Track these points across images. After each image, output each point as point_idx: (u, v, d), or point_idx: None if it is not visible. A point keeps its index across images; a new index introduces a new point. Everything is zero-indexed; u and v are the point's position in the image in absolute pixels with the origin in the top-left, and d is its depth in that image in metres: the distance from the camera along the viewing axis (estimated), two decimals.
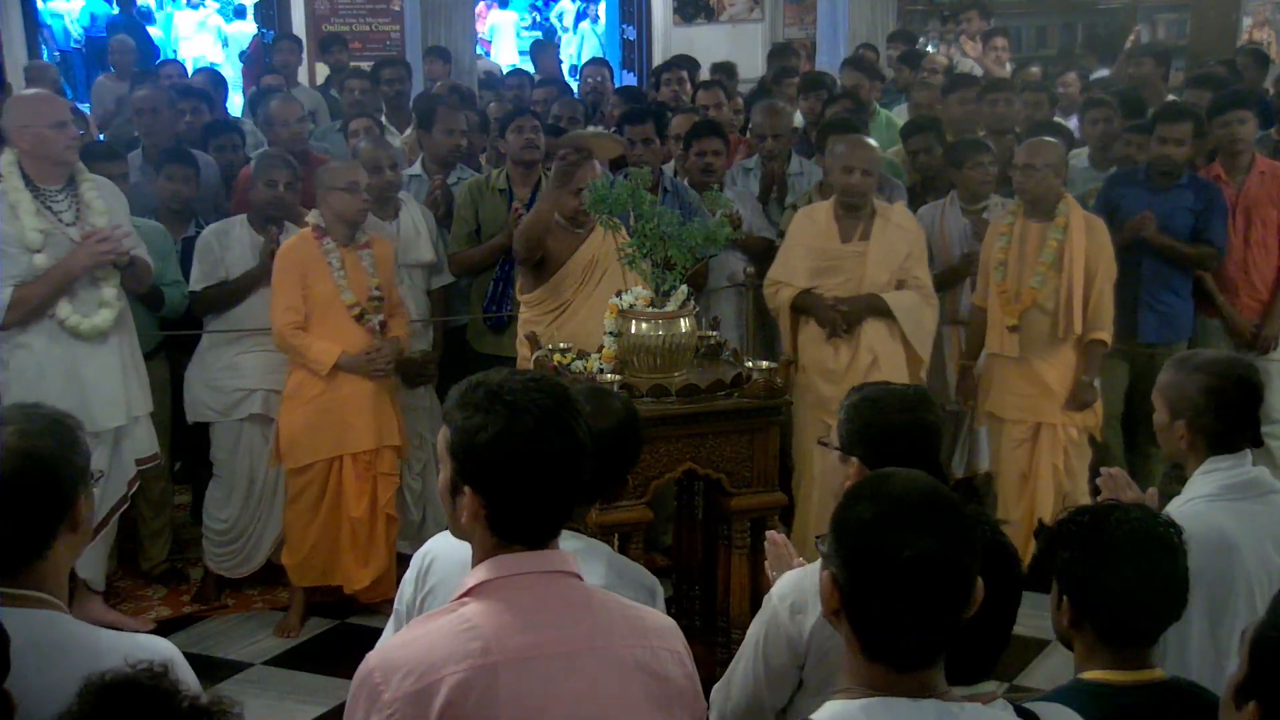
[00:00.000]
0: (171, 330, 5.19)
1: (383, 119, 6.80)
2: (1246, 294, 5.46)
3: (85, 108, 8.64)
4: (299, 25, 10.77)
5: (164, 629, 4.70)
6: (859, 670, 1.75)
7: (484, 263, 5.39)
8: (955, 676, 1.98)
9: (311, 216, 4.76)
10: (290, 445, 4.74)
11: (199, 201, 5.53)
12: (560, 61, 9.43)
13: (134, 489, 4.72)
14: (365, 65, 8.20)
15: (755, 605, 2.71)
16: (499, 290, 5.37)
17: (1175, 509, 2.70)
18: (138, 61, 9.26)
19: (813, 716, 1.75)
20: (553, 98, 7.01)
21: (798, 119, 6.81)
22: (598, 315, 4.04)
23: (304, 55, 10.64)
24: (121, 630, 2.08)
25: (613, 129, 6.72)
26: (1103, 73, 8.91)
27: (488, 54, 15.03)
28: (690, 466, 3.75)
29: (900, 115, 7.23)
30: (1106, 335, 4.84)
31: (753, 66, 10.02)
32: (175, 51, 15.97)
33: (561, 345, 4.03)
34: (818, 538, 1.83)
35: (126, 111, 7.64)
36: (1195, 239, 5.33)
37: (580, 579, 1.95)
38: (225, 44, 16.16)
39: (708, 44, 10.11)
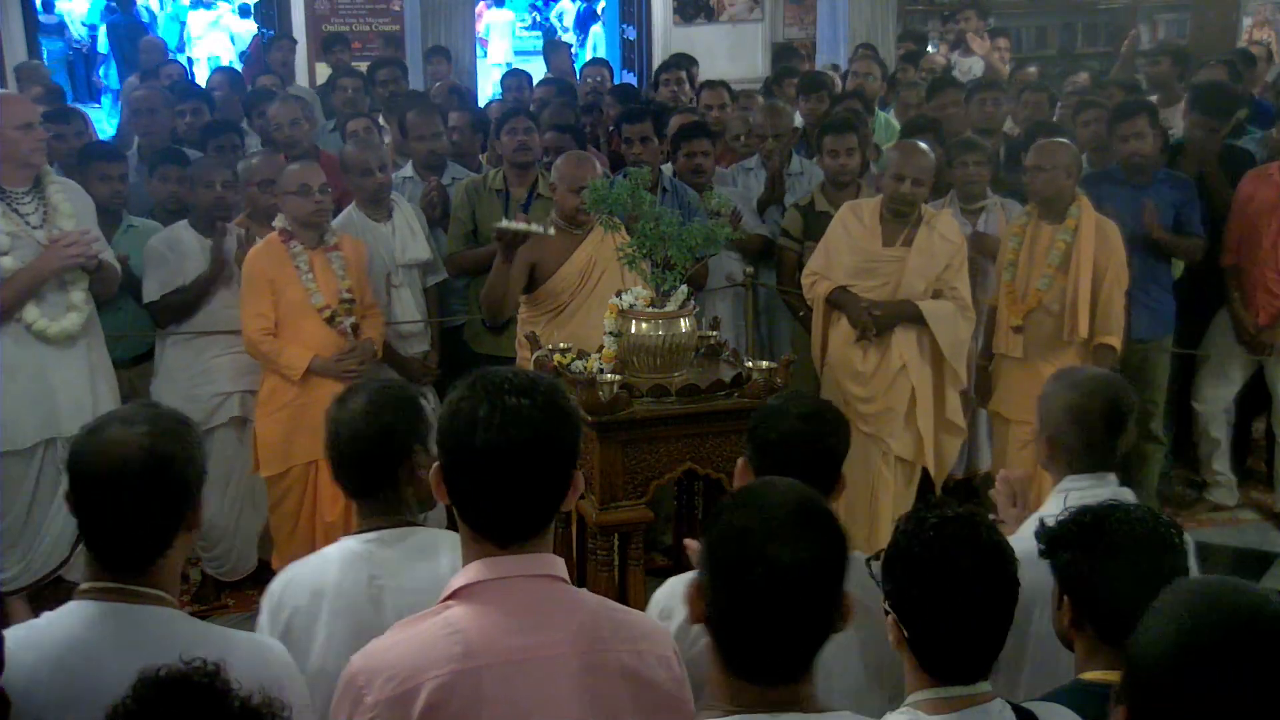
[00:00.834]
0: (171, 332, 5.17)
1: (379, 119, 6.79)
2: (1264, 297, 5.47)
3: (85, 107, 8.66)
4: (299, 25, 10.77)
5: None
6: (722, 683, 1.72)
7: (481, 265, 5.37)
8: (953, 676, 1.98)
9: (278, 220, 4.73)
10: (267, 452, 4.67)
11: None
12: (574, 61, 9.42)
13: None
14: (365, 65, 8.18)
15: None
16: None
17: (1024, 528, 2.68)
18: (133, 61, 9.27)
19: None
20: (551, 96, 7.01)
21: (798, 119, 6.81)
22: (597, 315, 4.03)
23: (304, 55, 10.67)
24: None
25: (610, 128, 6.74)
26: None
27: (484, 53, 15.04)
28: (690, 466, 3.75)
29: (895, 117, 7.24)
30: (1115, 340, 4.79)
31: (753, 67, 10.03)
32: (186, 50, 16.00)
33: (561, 345, 4.03)
34: (685, 542, 1.84)
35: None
36: (1177, 232, 5.35)
37: (567, 583, 1.93)
38: (234, 42, 16.19)
39: (708, 44, 10.13)
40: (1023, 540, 2.25)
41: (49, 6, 16.02)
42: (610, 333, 3.88)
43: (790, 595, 1.65)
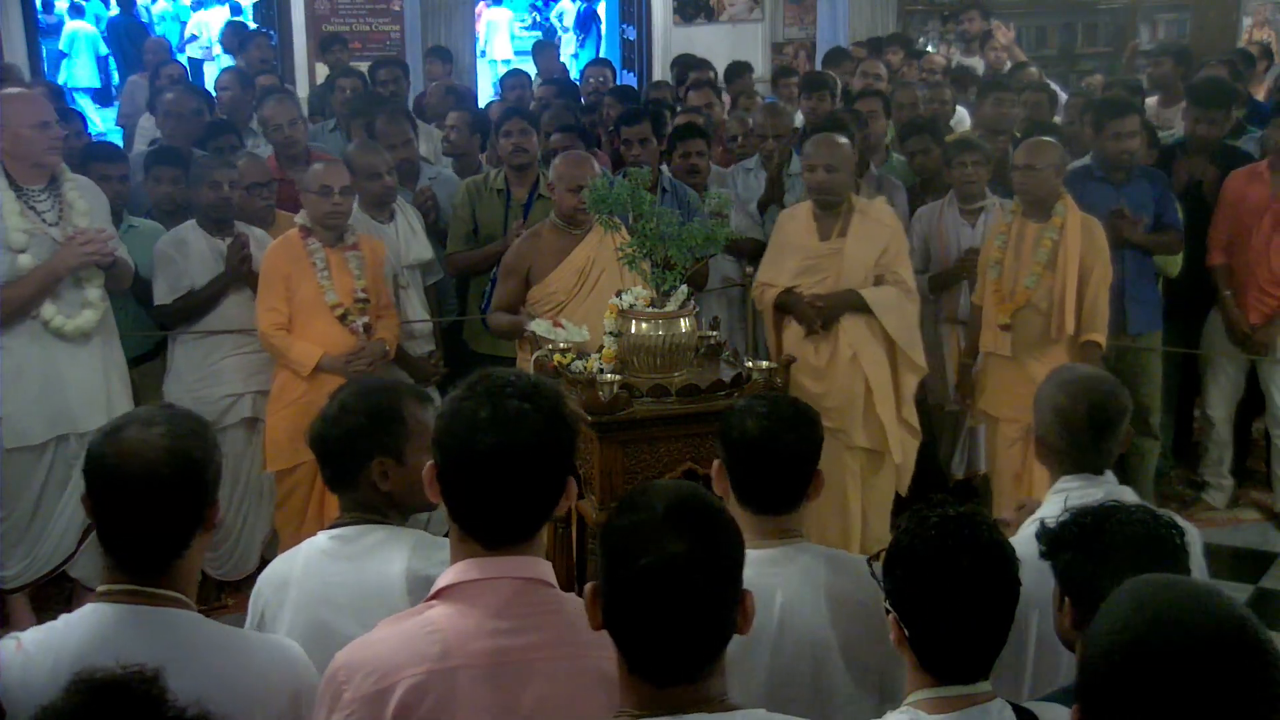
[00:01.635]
0: (170, 331, 5.17)
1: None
2: (1256, 296, 5.47)
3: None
4: (299, 25, 10.74)
5: None
6: (626, 687, 1.71)
7: (482, 264, 5.39)
8: (953, 676, 1.98)
9: (299, 217, 4.74)
10: (274, 448, 4.70)
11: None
12: (561, 61, 9.42)
13: None
14: (365, 65, 8.17)
15: None
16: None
17: (1024, 530, 2.69)
18: (132, 61, 9.26)
19: None
20: (553, 96, 7.01)
21: (798, 119, 6.82)
22: (597, 315, 4.03)
23: (304, 55, 10.66)
24: None
25: (610, 129, 6.74)
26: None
27: (484, 52, 15.03)
28: (690, 466, 3.74)
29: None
30: (1101, 337, 4.83)
31: (753, 66, 10.01)
32: (188, 50, 15.99)
33: (561, 345, 4.03)
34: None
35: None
36: (1157, 226, 5.36)
37: (553, 586, 1.92)
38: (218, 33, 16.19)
39: (708, 44, 10.12)
40: (1021, 542, 2.25)
41: (49, 7, 16.02)
42: (610, 333, 3.88)
43: (672, 590, 1.63)
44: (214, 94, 6.91)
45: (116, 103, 9.57)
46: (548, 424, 1.86)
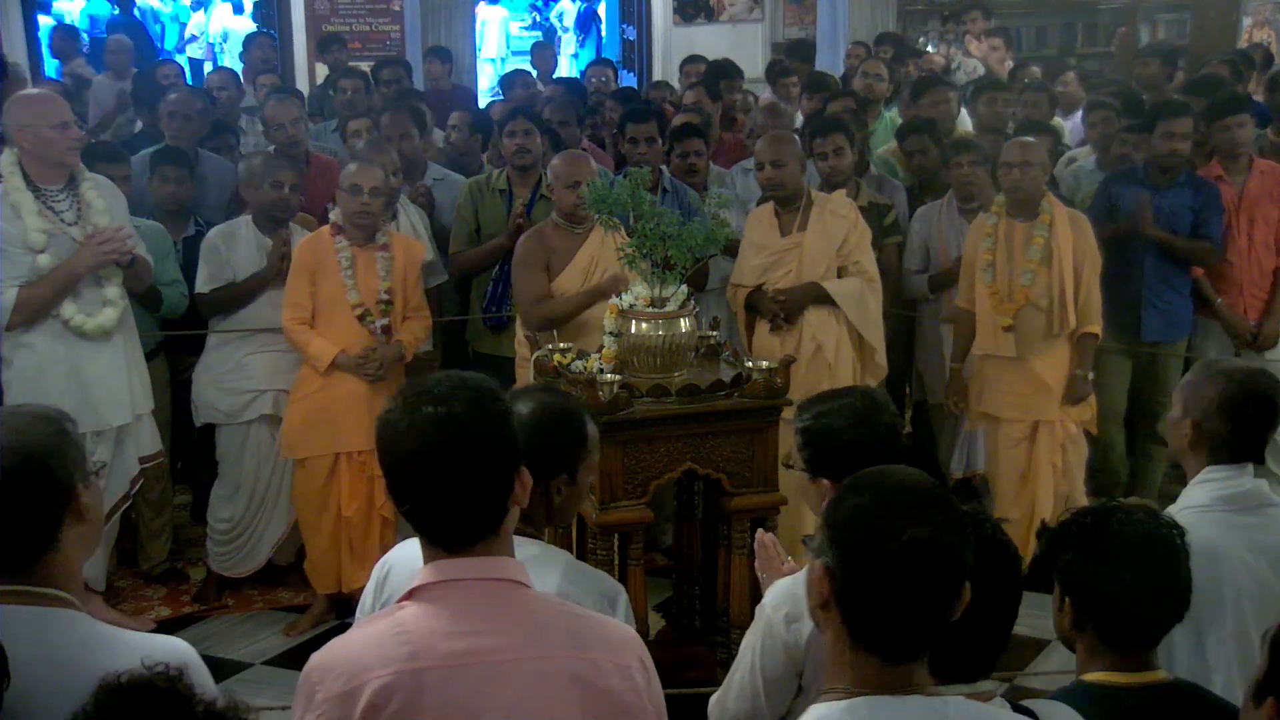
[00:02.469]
0: (172, 331, 5.19)
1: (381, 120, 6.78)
2: (1249, 292, 5.46)
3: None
4: (299, 25, 10.74)
5: (164, 629, 4.69)
6: (845, 665, 1.75)
7: (483, 263, 5.39)
8: (955, 675, 1.98)
9: (334, 215, 4.78)
10: (289, 438, 4.78)
11: (210, 201, 5.53)
12: (556, 62, 9.43)
13: (137, 487, 4.73)
14: (365, 65, 8.18)
15: (755, 606, 2.70)
16: (498, 290, 5.37)
17: (1179, 516, 2.69)
18: (136, 62, 9.25)
19: None
20: (559, 96, 7.02)
21: (798, 119, 6.82)
22: (598, 314, 4.04)
23: (304, 55, 10.66)
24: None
25: (613, 131, 6.75)
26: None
27: (479, 49, 14.99)
28: (690, 466, 3.75)
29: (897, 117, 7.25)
30: (1097, 328, 4.86)
31: (753, 67, 10.02)
32: (187, 51, 15.98)
33: (561, 345, 4.03)
34: (805, 538, 1.85)
35: (128, 110, 7.64)
36: (1194, 236, 5.34)
37: (526, 586, 1.92)
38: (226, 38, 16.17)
39: (708, 44, 10.10)
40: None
41: (47, 7, 16.01)
42: (610, 333, 3.88)
43: (922, 568, 1.69)
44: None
45: None
46: (466, 424, 1.86)
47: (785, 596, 2.53)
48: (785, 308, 4.81)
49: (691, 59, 8.18)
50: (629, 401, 3.63)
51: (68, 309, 4.36)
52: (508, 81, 7.87)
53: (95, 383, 4.43)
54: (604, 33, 15.14)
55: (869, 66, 7.61)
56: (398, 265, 4.77)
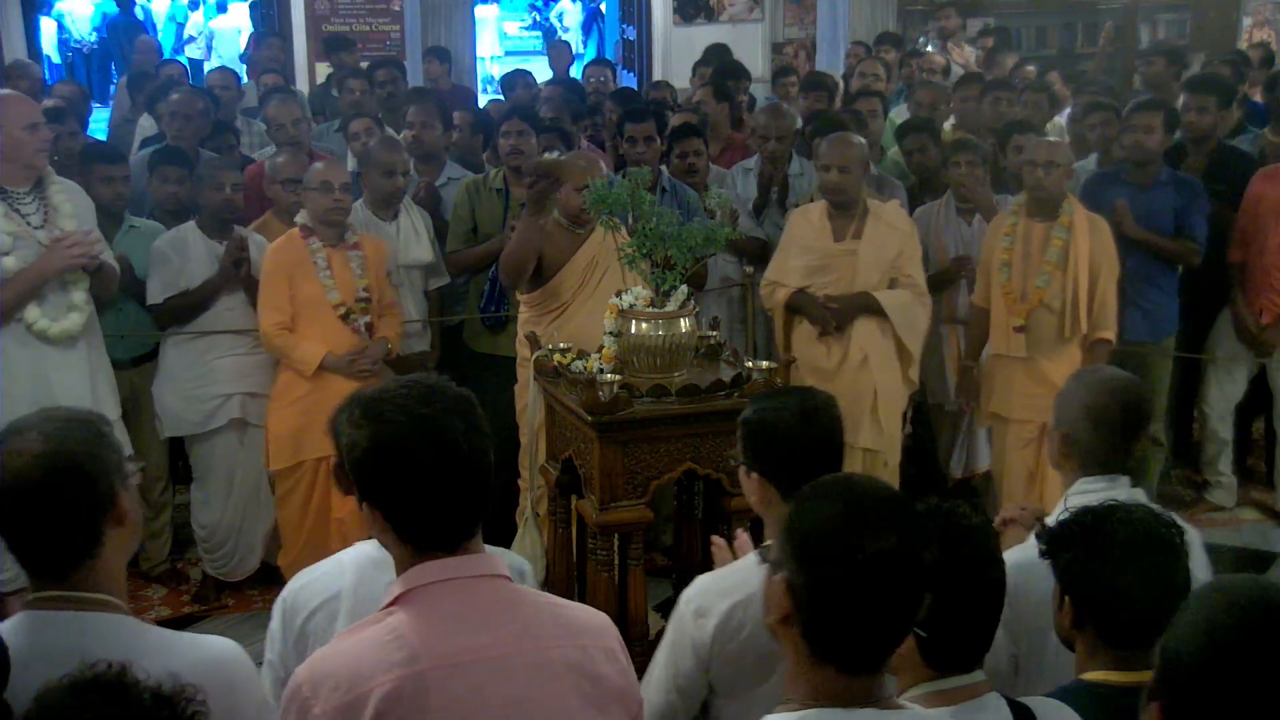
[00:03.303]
0: (172, 331, 5.17)
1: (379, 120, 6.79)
2: (1269, 297, 5.47)
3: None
4: (299, 25, 10.73)
5: None
6: (804, 678, 1.74)
7: (480, 263, 5.39)
8: (953, 666, 1.98)
9: (300, 216, 4.75)
10: (277, 446, 4.72)
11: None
12: (572, 61, 9.43)
13: None
14: (364, 65, 8.18)
15: None
16: (496, 290, 5.37)
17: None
18: (133, 61, 9.26)
19: None
20: (558, 95, 7.01)
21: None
22: (597, 315, 4.03)
23: (304, 55, 10.65)
24: None
25: (612, 132, 6.74)
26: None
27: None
28: (690, 466, 3.74)
29: (900, 115, 7.24)
30: (1111, 334, 4.84)
31: (753, 66, 10.01)
32: (186, 51, 15.99)
33: (561, 345, 4.03)
34: (759, 550, 1.84)
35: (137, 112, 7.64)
36: (1177, 235, 5.34)
37: (509, 580, 1.93)
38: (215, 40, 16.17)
39: (708, 44, 10.10)
40: (1029, 548, 2.26)
41: (47, 7, 16.01)
42: (610, 333, 3.88)
43: (888, 580, 1.68)
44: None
45: (109, 104, 9.53)
46: (465, 420, 1.87)
47: (699, 591, 2.54)
48: (837, 316, 4.77)
49: (703, 60, 8.16)
50: (629, 401, 3.63)
51: (31, 313, 4.28)
52: (508, 82, 7.87)
53: (59, 388, 4.33)
54: (604, 32, 15.14)
55: (866, 67, 7.62)
56: (370, 263, 4.76)
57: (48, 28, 16.32)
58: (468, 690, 1.81)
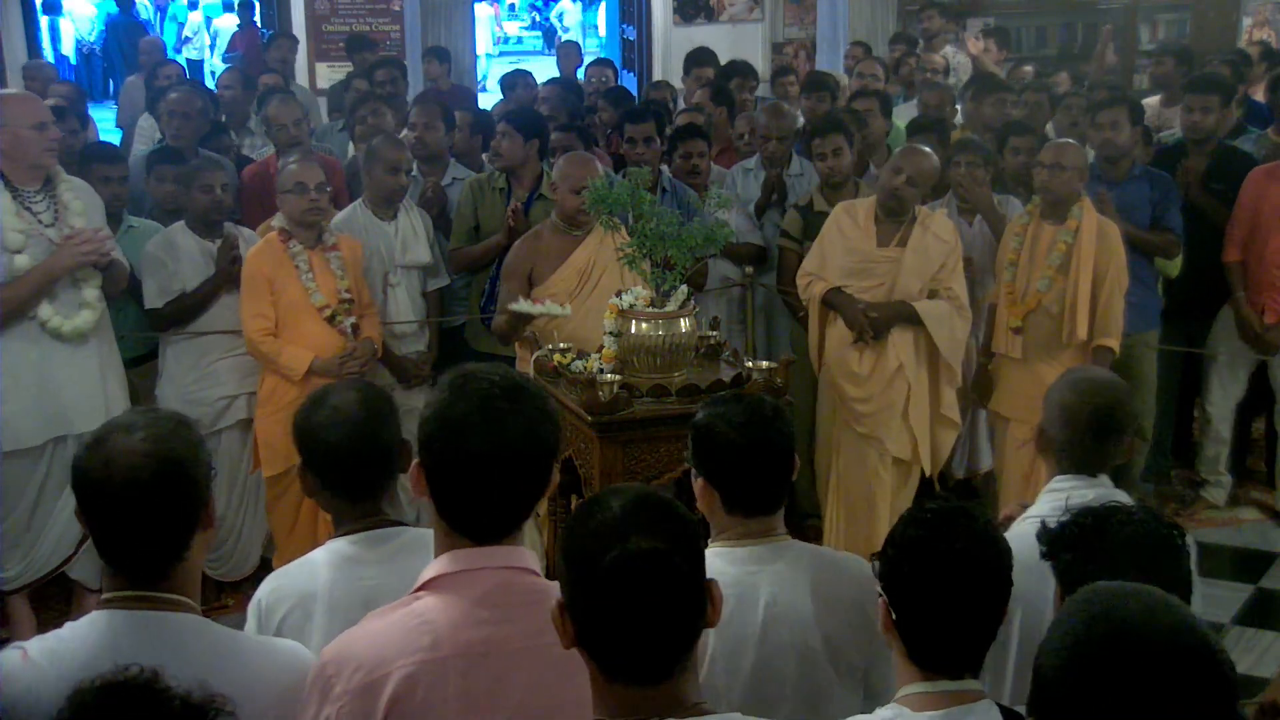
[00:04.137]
0: (172, 331, 5.17)
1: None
2: (1272, 295, 5.47)
3: (94, 107, 8.67)
4: (299, 25, 10.72)
5: None
6: (602, 695, 1.70)
7: (480, 260, 5.40)
8: (941, 668, 1.98)
9: (276, 220, 4.73)
10: (268, 451, 4.67)
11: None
12: (581, 61, 9.43)
13: None
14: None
15: None
16: (496, 289, 5.37)
17: (1015, 526, 2.72)
18: (133, 62, 9.26)
19: None
20: (556, 95, 7.01)
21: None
22: (597, 315, 4.03)
23: (304, 55, 10.64)
24: None
25: (609, 131, 6.75)
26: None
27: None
28: (690, 466, 3.73)
29: (901, 116, 7.24)
30: (1114, 342, 4.79)
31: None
32: (184, 51, 16.00)
33: (561, 345, 4.03)
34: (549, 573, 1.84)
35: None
36: (1153, 228, 5.34)
37: (538, 575, 1.95)
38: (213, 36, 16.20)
39: (708, 44, 10.09)
40: (1014, 539, 2.26)
41: (49, 8, 16.01)
42: (610, 333, 3.88)
43: (641, 585, 1.63)
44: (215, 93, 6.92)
45: (114, 103, 9.53)
46: (533, 424, 1.90)
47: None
48: (874, 325, 4.73)
49: (698, 61, 8.15)
50: (629, 401, 3.63)
51: (44, 311, 4.31)
52: (508, 82, 7.87)
53: (69, 387, 4.37)
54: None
55: (864, 67, 7.62)
56: (349, 263, 4.74)
57: (65, 28, 16.36)
58: (488, 680, 1.83)
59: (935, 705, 1.96)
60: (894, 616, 2.00)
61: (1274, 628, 4.80)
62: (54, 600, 4.78)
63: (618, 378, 3.66)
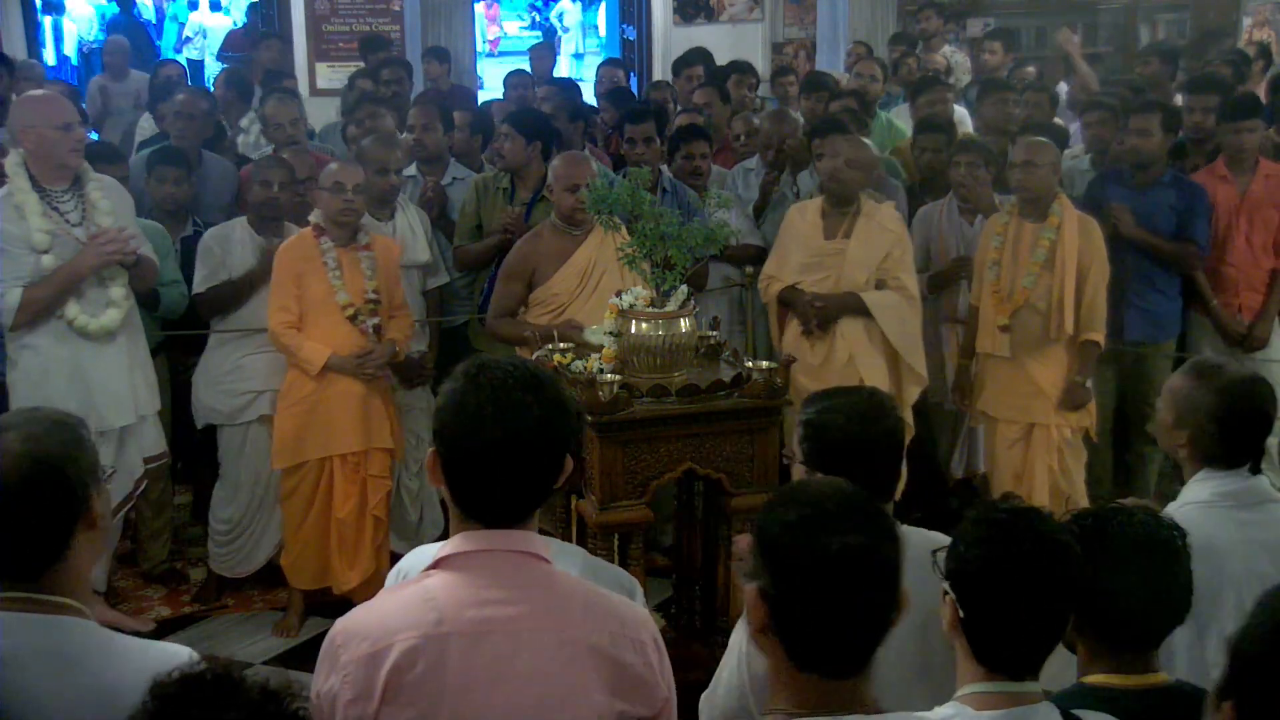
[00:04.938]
0: (172, 330, 5.18)
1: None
2: (1246, 293, 5.46)
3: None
4: (299, 25, 10.71)
5: (164, 629, 4.71)
6: (786, 686, 1.73)
7: (481, 259, 5.41)
8: (1003, 667, 1.96)
9: (313, 216, 4.77)
10: (281, 445, 4.74)
11: (212, 202, 5.53)
12: (555, 63, 9.44)
13: (141, 488, 4.73)
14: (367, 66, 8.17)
15: None
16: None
17: (1170, 514, 2.69)
18: (133, 62, 9.25)
19: None
20: (553, 96, 7.01)
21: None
22: (597, 315, 4.03)
23: (304, 55, 10.65)
24: (122, 630, 2.07)
25: (609, 132, 6.75)
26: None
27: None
28: (690, 466, 3.74)
29: (899, 116, 7.24)
30: (1099, 336, 4.84)
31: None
32: (185, 51, 15.98)
33: (561, 345, 4.03)
34: (738, 563, 1.84)
35: (127, 112, 7.64)
36: (1177, 237, 5.33)
37: (547, 561, 1.98)
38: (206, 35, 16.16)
39: (707, 44, 10.07)
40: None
41: (51, 8, 16.00)
42: (610, 333, 3.88)
43: (855, 577, 1.68)
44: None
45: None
46: (549, 414, 1.93)
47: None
48: (820, 315, 4.78)
49: (687, 62, 8.14)
50: (629, 401, 3.63)
51: (71, 309, 4.36)
52: (509, 82, 7.88)
53: (99, 384, 4.43)
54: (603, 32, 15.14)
55: (863, 67, 7.62)
56: (381, 265, 4.76)
57: (67, 29, 16.35)
58: (488, 659, 1.87)
59: (995, 705, 1.95)
60: (961, 615, 1.98)
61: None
62: None
63: (618, 378, 3.66)
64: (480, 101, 8.33)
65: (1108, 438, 5.52)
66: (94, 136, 7.38)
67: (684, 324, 3.80)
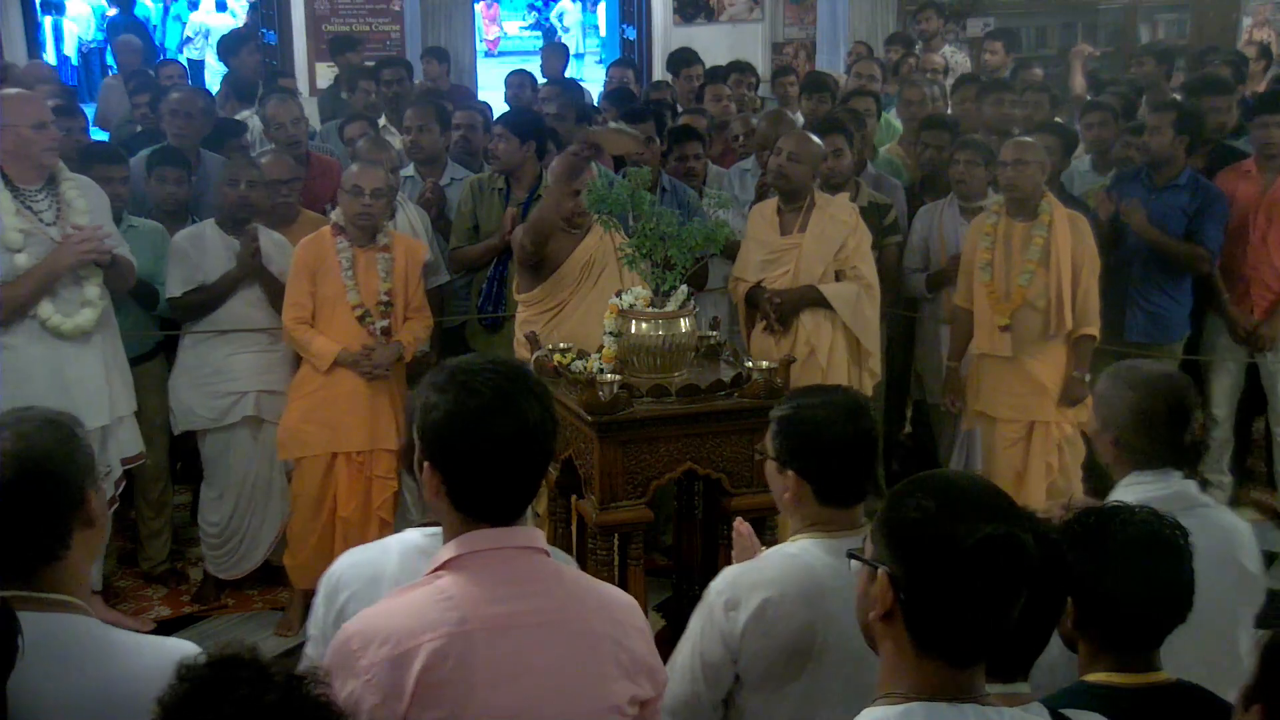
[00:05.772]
0: (172, 331, 5.17)
1: (380, 120, 6.78)
2: (1259, 292, 5.46)
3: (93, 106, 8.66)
4: (299, 25, 10.71)
5: (164, 629, 4.70)
6: (907, 672, 1.73)
7: (479, 260, 5.41)
8: (992, 673, 1.96)
9: (334, 215, 4.78)
10: (286, 437, 4.76)
11: (212, 200, 5.53)
12: (566, 64, 9.44)
13: (121, 488, 4.69)
14: (371, 65, 8.16)
15: None
16: (494, 290, 5.38)
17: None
18: (144, 62, 9.24)
19: None
20: (555, 96, 7.01)
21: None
22: (596, 315, 4.03)
23: (304, 55, 10.65)
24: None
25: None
26: None
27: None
28: (690, 466, 3.74)
29: (897, 116, 7.24)
30: (1095, 329, 4.86)
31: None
32: (186, 51, 16.00)
33: (561, 345, 4.03)
34: (849, 552, 1.82)
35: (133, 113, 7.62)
36: (1187, 240, 5.33)
37: (549, 555, 2.02)
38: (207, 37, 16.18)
39: (708, 44, 10.10)
40: None
41: (51, 8, 16.01)
42: (610, 333, 3.88)
43: (994, 567, 1.67)
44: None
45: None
46: (546, 407, 1.98)
47: (729, 583, 2.52)
48: (779, 310, 4.81)
49: (685, 62, 8.14)
50: (629, 401, 3.63)
51: (45, 309, 4.31)
52: (510, 81, 7.87)
53: (75, 384, 4.37)
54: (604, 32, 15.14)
55: (862, 68, 7.62)
56: (398, 266, 4.77)
57: (67, 29, 16.36)
58: (513, 653, 1.89)
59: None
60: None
61: (1276, 627, 4.79)
62: None
63: (618, 378, 3.66)
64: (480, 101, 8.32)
65: None
66: (104, 136, 7.41)
67: (684, 324, 3.80)
